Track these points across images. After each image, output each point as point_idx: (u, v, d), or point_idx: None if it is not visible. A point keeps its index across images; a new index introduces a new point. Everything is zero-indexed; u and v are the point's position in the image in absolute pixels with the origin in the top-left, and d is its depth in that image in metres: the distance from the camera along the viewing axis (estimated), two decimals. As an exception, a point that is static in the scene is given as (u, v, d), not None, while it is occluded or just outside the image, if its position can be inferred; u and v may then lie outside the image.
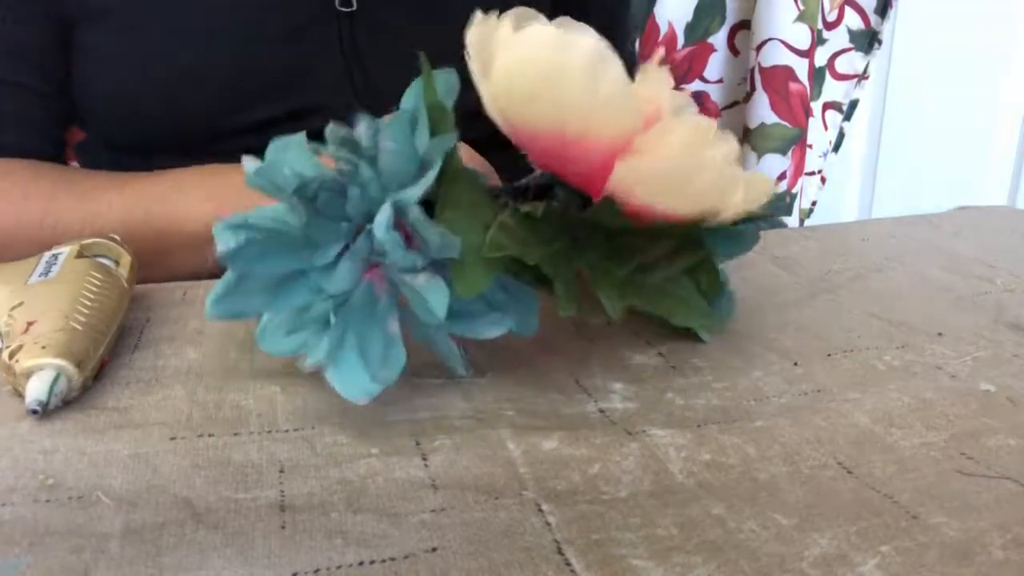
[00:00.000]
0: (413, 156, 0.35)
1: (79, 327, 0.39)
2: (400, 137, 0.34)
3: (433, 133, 0.36)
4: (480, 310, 0.38)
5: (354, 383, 0.34)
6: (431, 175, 0.34)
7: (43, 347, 0.37)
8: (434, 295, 0.35)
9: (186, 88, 0.63)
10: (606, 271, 0.37)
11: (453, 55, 0.69)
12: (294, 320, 0.37)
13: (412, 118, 0.35)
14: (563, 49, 0.32)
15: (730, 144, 0.37)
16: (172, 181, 0.59)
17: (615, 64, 0.33)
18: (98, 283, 0.42)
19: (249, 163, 0.37)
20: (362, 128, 0.35)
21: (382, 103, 0.66)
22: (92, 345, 0.38)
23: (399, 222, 0.34)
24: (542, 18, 0.39)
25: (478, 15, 0.37)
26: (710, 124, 0.37)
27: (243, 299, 0.37)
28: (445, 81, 0.38)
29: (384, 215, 0.34)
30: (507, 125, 0.37)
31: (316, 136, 0.64)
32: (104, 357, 0.40)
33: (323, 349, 0.35)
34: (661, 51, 1.07)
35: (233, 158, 0.62)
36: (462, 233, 0.35)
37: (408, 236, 0.35)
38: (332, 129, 0.36)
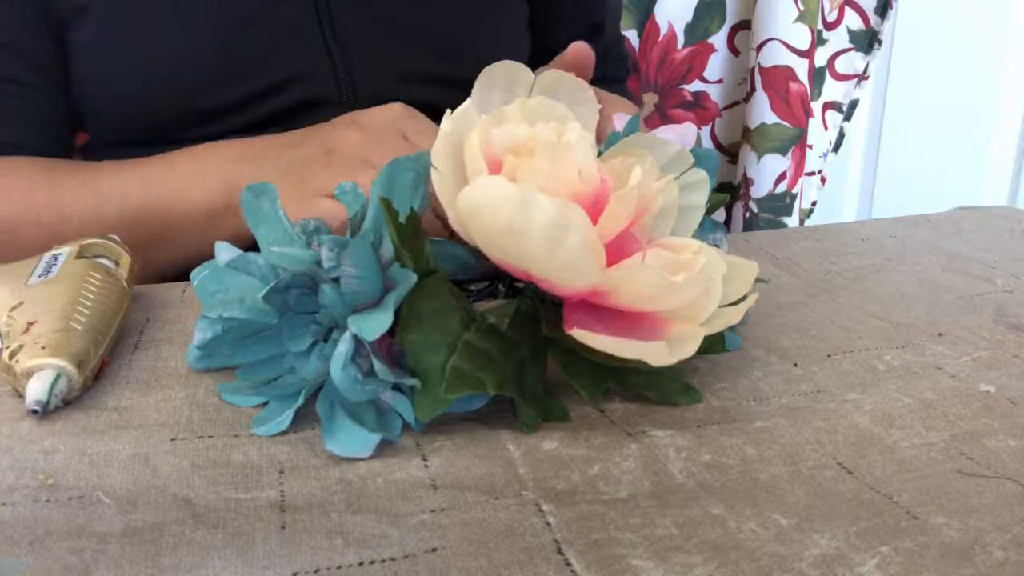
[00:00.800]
0: (376, 278, 0.35)
1: (79, 327, 0.39)
2: (362, 262, 0.34)
3: (396, 255, 0.36)
4: None
5: (353, 442, 0.34)
6: (389, 313, 0.34)
7: (43, 347, 0.37)
8: (402, 408, 0.35)
9: (168, 70, 0.64)
10: (577, 356, 0.37)
11: (428, 19, 0.69)
12: (264, 389, 0.38)
13: (375, 238, 0.36)
14: (522, 210, 0.32)
15: (706, 266, 0.35)
16: (164, 161, 0.61)
17: (574, 229, 0.32)
18: (98, 283, 0.42)
19: (223, 251, 0.38)
20: (324, 250, 0.35)
21: (360, 71, 0.67)
22: (92, 345, 0.38)
23: (362, 343, 0.34)
24: (525, 77, 0.39)
25: (447, 113, 0.37)
26: (682, 251, 0.36)
27: (221, 359, 0.39)
28: (415, 170, 0.38)
29: (342, 348, 0.34)
30: (474, 244, 0.37)
31: (296, 109, 0.65)
32: (104, 357, 0.40)
33: (286, 421, 0.35)
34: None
35: (226, 138, 0.63)
36: (424, 355, 0.35)
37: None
38: (303, 223, 0.38)
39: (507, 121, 0.36)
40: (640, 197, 0.36)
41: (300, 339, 0.37)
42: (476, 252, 0.38)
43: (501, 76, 0.39)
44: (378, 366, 0.34)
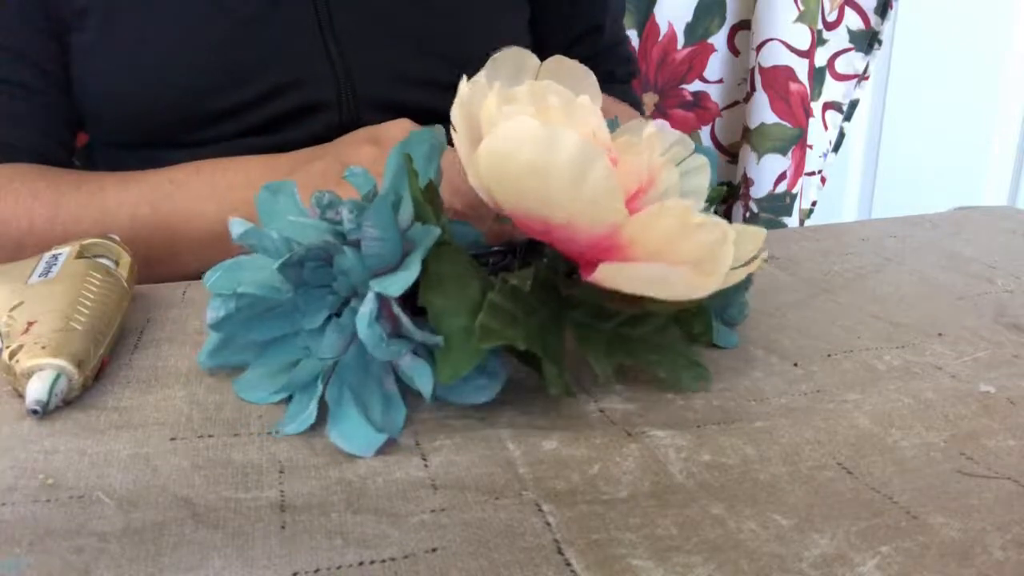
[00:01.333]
0: (396, 240, 0.35)
1: (79, 327, 0.39)
2: (383, 223, 0.34)
3: (417, 211, 0.36)
4: (469, 375, 0.37)
5: (358, 437, 0.34)
6: (414, 269, 0.34)
7: (43, 347, 0.37)
8: (419, 377, 0.35)
9: (168, 74, 0.64)
10: (592, 329, 0.37)
11: (428, 21, 0.69)
12: (279, 377, 0.37)
13: (395, 199, 0.36)
14: (548, 147, 0.32)
15: (716, 221, 0.35)
16: (172, 177, 0.60)
17: (600, 161, 0.32)
18: (98, 283, 0.42)
19: (236, 226, 0.37)
20: (345, 212, 0.35)
21: (359, 75, 0.67)
22: (92, 345, 0.38)
23: (383, 306, 0.34)
24: (532, 63, 0.40)
25: (464, 79, 0.37)
26: (695, 205, 0.36)
27: (234, 354, 0.39)
28: (430, 141, 0.38)
29: (367, 307, 0.34)
30: (493, 201, 0.37)
31: (295, 113, 0.65)
32: (104, 357, 0.40)
33: (313, 413, 0.35)
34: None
35: (225, 143, 0.63)
36: (446, 317, 0.35)
37: (393, 316, 0.35)
38: (317, 196, 0.37)
39: (517, 101, 0.37)
40: (649, 161, 0.36)
41: (315, 314, 0.37)
42: (485, 231, 0.38)
43: (508, 62, 0.40)
44: (405, 321, 0.34)
